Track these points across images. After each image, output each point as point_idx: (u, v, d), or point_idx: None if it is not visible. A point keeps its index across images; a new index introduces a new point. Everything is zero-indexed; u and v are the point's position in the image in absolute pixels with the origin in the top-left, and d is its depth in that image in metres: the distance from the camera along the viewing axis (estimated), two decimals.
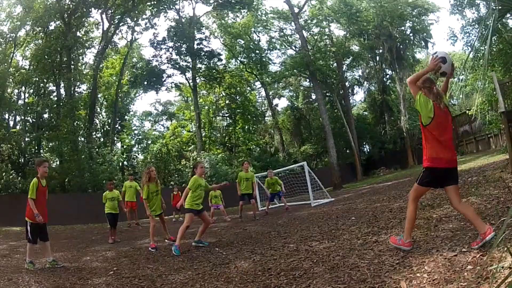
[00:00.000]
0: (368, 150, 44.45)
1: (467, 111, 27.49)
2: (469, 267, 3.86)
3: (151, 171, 9.44)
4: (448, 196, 4.92)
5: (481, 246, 4.24)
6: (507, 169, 9.74)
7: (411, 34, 38.99)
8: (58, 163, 30.61)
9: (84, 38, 33.94)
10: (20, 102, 33.07)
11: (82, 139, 31.62)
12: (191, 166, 30.25)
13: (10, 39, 30.70)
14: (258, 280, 5.10)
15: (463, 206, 4.81)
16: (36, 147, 32.51)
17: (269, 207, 16.17)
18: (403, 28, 38.48)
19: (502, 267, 3.52)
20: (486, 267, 3.67)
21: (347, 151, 40.71)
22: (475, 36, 18.32)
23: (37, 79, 32.00)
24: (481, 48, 16.70)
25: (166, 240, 9.96)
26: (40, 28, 30.86)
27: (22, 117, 33.43)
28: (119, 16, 34.08)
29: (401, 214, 7.54)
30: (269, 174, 15.83)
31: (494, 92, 15.01)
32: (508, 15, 16.13)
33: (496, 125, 18.40)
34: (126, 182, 16.48)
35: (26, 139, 32.09)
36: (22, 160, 30.40)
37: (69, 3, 31.01)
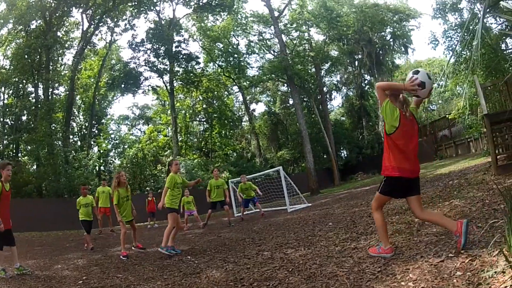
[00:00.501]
0: (346, 155, 44.48)
1: (447, 116, 27.63)
2: (458, 273, 3.54)
3: (121, 176, 9.26)
4: (410, 206, 4.78)
5: (464, 244, 4.03)
6: (490, 171, 9.64)
7: (391, 40, 39.34)
8: (35, 167, 30.05)
9: (64, 38, 33.40)
10: None
11: (59, 142, 30.83)
12: (167, 171, 29.97)
13: None
14: None
15: (427, 213, 4.76)
16: (14, 150, 31.96)
17: (245, 213, 15.91)
18: (383, 33, 38.80)
19: (495, 272, 3.24)
20: (477, 273, 3.40)
21: (325, 156, 40.68)
22: (457, 40, 18.39)
23: (16, 79, 31.32)
24: (463, 52, 16.70)
25: (133, 248, 9.69)
26: (21, 26, 30.40)
27: (1, 119, 32.64)
28: (99, 16, 33.64)
29: None
30: (242, 179, 15.62)
31: (475, 97, 14.97)
32: (492, 20, 16.20)
33: (476, 129, 18.45)
34: (99, 188, 16.18)
35: (4, 141, 31.39)
36: None
37: (51, 1, 30.55)
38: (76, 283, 6.44)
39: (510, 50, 16.83)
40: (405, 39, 38.70)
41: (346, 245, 5.89)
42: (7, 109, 31.83)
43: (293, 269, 5.10)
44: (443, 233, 5.04)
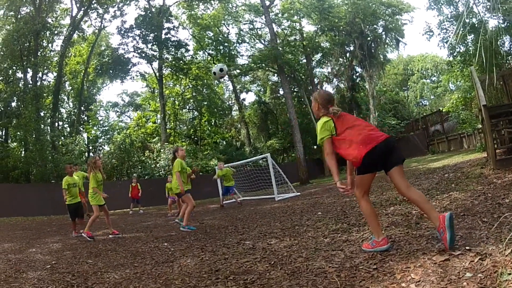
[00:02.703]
0: None
1: (440, 109, 27.39)
2: (467, 274, 3.00)
3: (97, 160, 9.49)
4: (393, 182, 4.17)
5: (451, 240, 3.59)
6: (487, 165, 9.24)
7: (383, 33, 38.87)
8: (23, 152, 29.94)
9: (55, 25, 33.07)
10: None
11: (47, 127, 31.00)
12: (154, 158, 29.68)
13: None
14: (201, 285, 4.19)
15: (413, 191, 4.05)
16: (4, 136, 32.13)
17: (225, 202, 16.39)
18: (375, 26, 38.31)
19: (510, 273, 2.75)
20: (490, 274, 2.88)
21: (315, 147, 40.28)
22: (452, 33, 17.99)
23: (6, 65, 31.02)
24: (458, 45, 16.25)
25: (110, 236, 9.29)
26: (12, 12, 30.21)
27: None
28: (88, 2, 33.15)
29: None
30: (219, 166, 16.27)
31: (468, 94, 14.56)
32: (488, 14, 15.85)
33: (470, 125, 18.10)
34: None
35: None
36: None
37: None
38: (44, 267, 6.13)
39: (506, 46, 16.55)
40: (397, 33, 38.29)
41: (336, 237, 5.37)
42: None
43: (275, 262, 4.58)
44: None
